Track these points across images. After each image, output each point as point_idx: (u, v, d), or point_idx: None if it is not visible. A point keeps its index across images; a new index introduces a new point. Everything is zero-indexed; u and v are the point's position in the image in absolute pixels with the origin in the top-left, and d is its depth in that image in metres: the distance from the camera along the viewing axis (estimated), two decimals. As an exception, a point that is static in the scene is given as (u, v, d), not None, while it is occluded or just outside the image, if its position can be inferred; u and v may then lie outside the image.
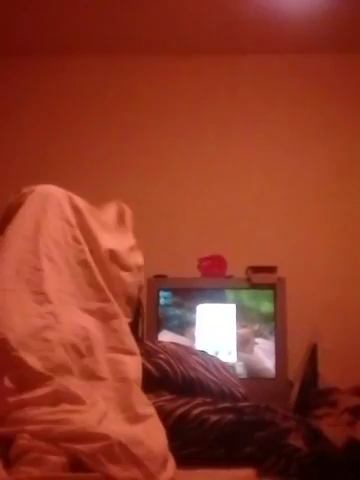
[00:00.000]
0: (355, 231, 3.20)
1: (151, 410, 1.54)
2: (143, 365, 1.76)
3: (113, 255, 1.97)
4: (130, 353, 1.71)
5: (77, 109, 3.34)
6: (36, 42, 3.22)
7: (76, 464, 1.31)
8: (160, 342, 2.11)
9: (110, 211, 2.21)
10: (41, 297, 1.66)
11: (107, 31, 3.13)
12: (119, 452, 1.30)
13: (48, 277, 1.72)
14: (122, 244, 2.07)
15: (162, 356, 1.85)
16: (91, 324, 1.71)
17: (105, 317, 1.76)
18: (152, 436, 1.42)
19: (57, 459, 1.29)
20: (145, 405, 1.55)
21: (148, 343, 1.99)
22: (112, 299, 1.82)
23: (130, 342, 1.74)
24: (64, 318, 1.65)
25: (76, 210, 1.96)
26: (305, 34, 3.12)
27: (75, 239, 1.88)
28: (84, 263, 1.85)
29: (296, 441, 1.51)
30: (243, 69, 3.34)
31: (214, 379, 1.87)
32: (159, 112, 3.32)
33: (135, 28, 3.08)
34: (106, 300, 1.81)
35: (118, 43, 3.23)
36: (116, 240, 2.06)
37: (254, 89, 3.33)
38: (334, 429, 1.66)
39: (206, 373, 1.88)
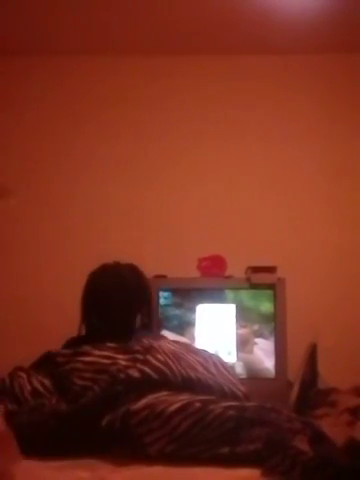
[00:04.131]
0: (355, 231, 3.20)
1: None
2: (141, 370, 1.76)
3: None
4: None
5: (76, 109, 3.33)
6: (36, 42, 3.21)
7: None
8: (160, 338, 2.09)
9: None
10: None
11: (106, 31, 3.12)
12: None
13: None
14: None
15: (160, 357, 1.83)
16: None
17: None
18: None
19: None
20: None
21: (146, 341, 1.97)
22: None
23: None
24: None
25: None
26: (305, 34, 3.11)
27: None
28: None
29: (302, 444, 1.50)
30: (243, 69, 3.33)
31: (214, 378, 1.86)
32: (159, 112, 3.31)
33: (135, 28, 3.08)
34: None
35: (118, 43, 3.23)
36: None
37: (254, 89, 3.32)
38: (334, 429, 1.66)
39: (205, 372, 1.86)
